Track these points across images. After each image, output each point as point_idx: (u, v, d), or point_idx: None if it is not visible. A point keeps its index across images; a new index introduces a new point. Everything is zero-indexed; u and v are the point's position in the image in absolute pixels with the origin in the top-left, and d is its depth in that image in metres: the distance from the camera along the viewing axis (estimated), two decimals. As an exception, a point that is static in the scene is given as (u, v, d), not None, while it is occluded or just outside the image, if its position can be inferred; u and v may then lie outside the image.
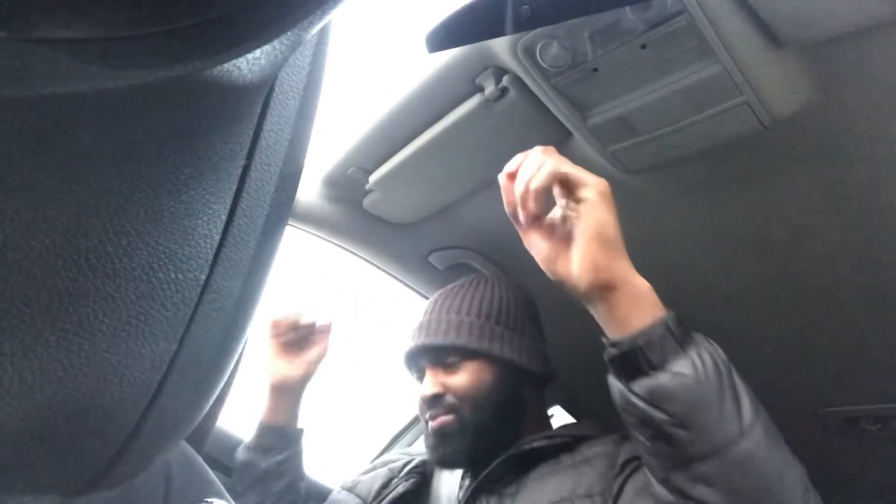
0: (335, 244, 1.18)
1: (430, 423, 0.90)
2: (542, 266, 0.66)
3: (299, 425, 1.09)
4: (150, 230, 0.22)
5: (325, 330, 1.11)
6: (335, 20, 0.25)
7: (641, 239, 1.05)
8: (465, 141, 0.91)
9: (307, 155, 0.30)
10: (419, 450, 1.13)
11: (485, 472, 0.86)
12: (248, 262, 0.27)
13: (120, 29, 0.17)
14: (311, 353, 1.09)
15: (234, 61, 0.20)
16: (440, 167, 0.98)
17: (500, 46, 0.75)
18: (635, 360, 0.58)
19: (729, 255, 1.00)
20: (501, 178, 0.68)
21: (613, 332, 0.61)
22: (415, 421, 1.47)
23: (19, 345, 0.20)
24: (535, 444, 0.86)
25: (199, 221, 0.23)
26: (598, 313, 0.63)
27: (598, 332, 0.65)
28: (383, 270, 1.25)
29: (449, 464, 0.91)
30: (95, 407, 0.23)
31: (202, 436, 0.99)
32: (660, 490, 0.60)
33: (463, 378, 0.90)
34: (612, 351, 0.60)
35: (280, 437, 1.05)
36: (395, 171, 1.00)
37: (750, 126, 0.75)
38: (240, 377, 0.96)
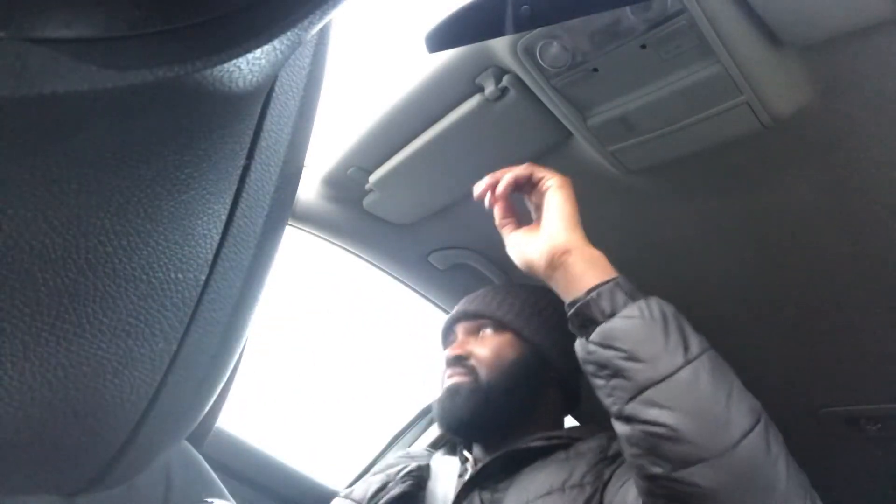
0: (335, 244, 1.18)
1: (446, 381, 0.95)
2: (515, 258, 0.75)
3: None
4: (150, 230, 0.22)
5: None
6: (335, 20, 0.25)
7: (641, 238, 1.05)
8: (465, 141, 0.91)
9: (307, 155, 0.30)
10: (419, 452, 1.13)
11: (479, 466, 0.88)
12: (248, 262, 0.27)
13: (120, 29, 0.17)
14: None
15: (234, 61, 0.20)
16: (440, 167, 0.98)
17: (500, 46, 0.75)
18: (589, 312, 0.63)
19: (729, 254, 1.00)
20: (478, 187, 0.79)
21: (569, 293, 0.67)
22: (414, 421, 1.48)
23: (19, 345, 0.20)
24: (532, 444, 0.88)
25: (199, 221, 0.23)
26: (557, 284, 0.69)
27: None
28: (383, 270, 1.25)
29: (452, 423, 0.94)
30: (95, 407, 0.23)
31: (202, 436, 0.99)
32: (620, 427, 0.62)
33: (489, 347, 0.96)
34: (569, 310, 0.66)
35: None
36: (394, 171, 0.99)
37: (750, 126, 0.75)
38: (240, 377, 0.96)
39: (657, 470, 0.58)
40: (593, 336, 0.63)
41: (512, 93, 0.81)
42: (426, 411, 1.49)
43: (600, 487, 0.76)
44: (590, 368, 0.65)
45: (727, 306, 1.07)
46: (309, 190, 1.10)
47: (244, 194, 0.25)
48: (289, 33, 0.20)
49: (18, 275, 0.19)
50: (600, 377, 0.63)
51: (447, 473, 0.96)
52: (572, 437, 0.89)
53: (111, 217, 0.20)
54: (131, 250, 0.21)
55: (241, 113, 0.23)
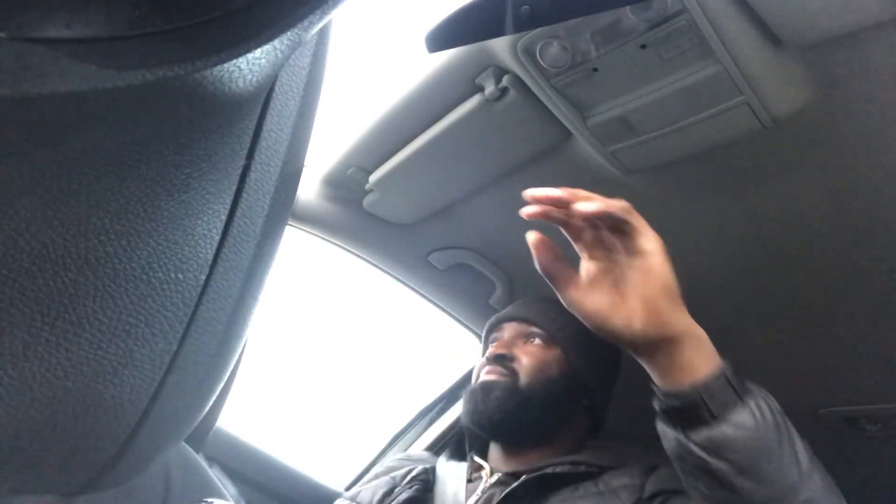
0: (335, 244, 1.18)
1: (483, 376, 0.95)
2: (591, 320, 0.60)
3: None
4: (150, 230, 0.22)
5: None
6: (335, 20, 0.25)
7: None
8: (465, 141, 0.91)
9: (307, 155, 0.30)
10: (419, 454, 1.13)
11: (507, 490, 0.86)
12: (248, 262, 0.27)
13: (120, 29, 0.17)
14: None
15: (234, 61, 0.20)
16: (440, 167, 0.98)
17: (500, 46, 0.75)
18: (697, 410, 0.56)
19: (729, 254, 1.00)
20: (527, 210, 0.59)
21: (670, 381, 0.58)
22: (414, 421, 1.47)
23: (20, 344, 0.20)
24: (559, 470, 0.87)
25: (199, 221, 0.23)
26: (654, 363, 0.60)
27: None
28: (383, 270, 1.25)
29: (481, 420, 0.92)
30: (95, 407, 0.23)
31: (202, 436, 0.99)
32: None
33: (536, 356, 0.96)
34: (671, 401, 0.58)
35: None
36: (394, 171, 1.00)
37: (750, 126, 0.75)
38: (240, 377, 0.96)
39: None
40: (698, 438, 0.56)
41: (512, 93, 0.81)
42: (426, 411, 1.49)
43: None
44: (685, 466, 0.59)
45: (727, 306, 1.07)
46: (309, 190, 1.10)
47: (244, 194, 0.25)
48: (289, 33, 0.20)
49: (18, 275, 0.19)
50: (699, 480, 0.58)
51: (455, 478, 0.96)
52: (600, 466, 0.88)
53: (111, 217, 0.20)
54: (131, 250, 0.21)
55: (241, 113, 0.23)
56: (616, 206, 0.58)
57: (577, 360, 0.97)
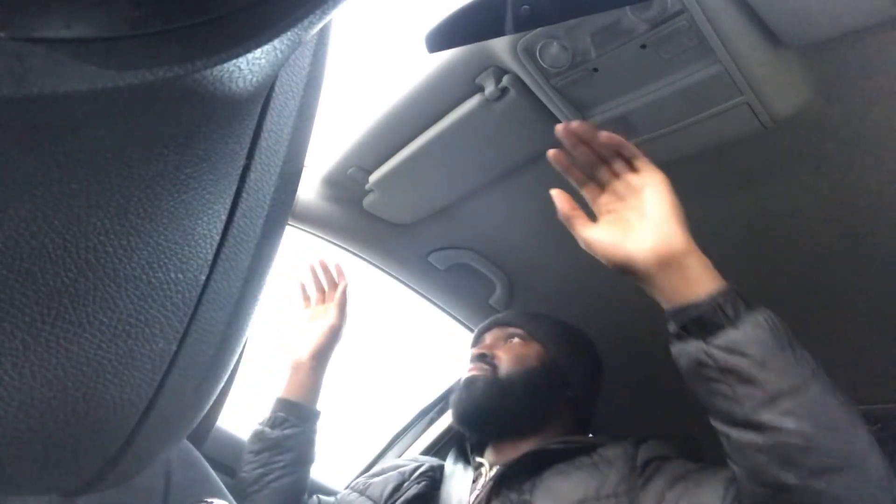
0: (335, 244, 1.18)
1: (466, 375, 0.99)
2: (603, 252, 0.68)
3: (317, 407, 1.12)
4: (150, 230, 0.22)
5: (343, 291, 1.18)
6: (335, 20, 0.25)
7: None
8: (465, 141, 0.91)
9: (307, 155, 0.30)
10: (425, 458, 1.13)
11: (506, 464, 0.88)
12: (248, 262, 0.27)
13: (120, 29, 0.17)
14: (332, 319, 1.15)
15: (234, 61, 0.20)
16: (440, 167, 0.98)
17: (500, 46, 0.75)
18: (714, 317, 0.61)
19: (728, 254, 1.00)
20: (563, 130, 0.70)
21: (685, 295, 0.63)
22: (414, 421, 1.48)
23: (19, 345, 0.20)
24: (553, 446, 0.89)
25: (199, 221, 0.23)
26: (665, 283, 0.65)
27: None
28: (383, 270, 1.25)
29: (465, 414, 0.97)
30: (95, 407, 0.23)
31: (202, 436, 0.99)
32: (745, 435, 0.60)
33: (514, 350, 1.01)
34: (690, 312, 0.62)
35: (294, 412, 1.07)
36: (394, 171, 1.00)
37: (750, 126, 0.75)
38: (240, 377, 0.96)
39: (790, 478, 0.57)
40: (718, 341, 0.60)
41: (512, 93, 0.81)
42: (425, 412, 1.49)
43: (634, 499, 0.76)
44: (709, 374, 0.61)
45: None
46: (309, 190, 1.10)
47: (244, 194, 0.25)
48: (289, 33, 0.20)
49: (18, 274, 0.19)
50: (723, 383, 0.60)
51: (461, 477, 0.97)
52: (592, 443, 0.90)
53: (111, 217, 0.20)
54: (131, 250, 0.21)
55: (241, 113, 0.23)
56: (610, 135, 0.69)
57: (556, 351, 1.02)
